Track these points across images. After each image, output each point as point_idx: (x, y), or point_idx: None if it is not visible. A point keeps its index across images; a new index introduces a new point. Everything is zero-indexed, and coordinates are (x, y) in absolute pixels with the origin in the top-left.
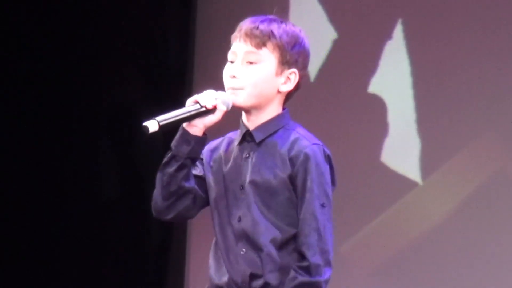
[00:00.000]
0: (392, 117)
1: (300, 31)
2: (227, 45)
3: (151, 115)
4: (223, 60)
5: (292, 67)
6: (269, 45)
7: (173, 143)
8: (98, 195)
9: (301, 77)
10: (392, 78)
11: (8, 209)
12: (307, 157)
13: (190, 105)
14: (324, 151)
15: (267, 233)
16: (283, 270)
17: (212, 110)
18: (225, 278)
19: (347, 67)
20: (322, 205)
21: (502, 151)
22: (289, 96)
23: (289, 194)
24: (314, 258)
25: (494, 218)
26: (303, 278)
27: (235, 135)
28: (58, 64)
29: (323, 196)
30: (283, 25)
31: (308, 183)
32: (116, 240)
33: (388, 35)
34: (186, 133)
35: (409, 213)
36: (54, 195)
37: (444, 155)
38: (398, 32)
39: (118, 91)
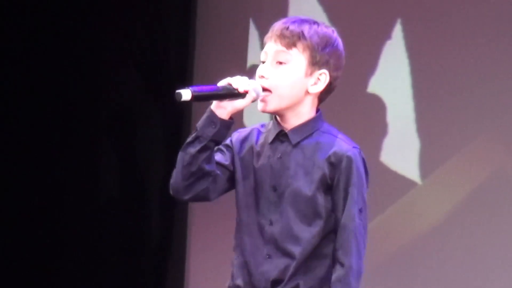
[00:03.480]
0: (391, 117)
1: (333, 31)
2: (227, 46)
3: (151, 115)
4: (223, 61)
5: (323, 68)
6: (299, 45)
7: (199, 124)
8: (98, 195)
9: (333, 79)
10: (391, 78)
11: (8, 209)
12: (350, 161)
13: (223, 85)
14: (362, 155)
15: (300, 241)
16: (312, 275)
17: (243, 95)
18: (244, 279)
19: (346, 67)
20: (360, 210)
21: (502, 151)
22: (322, 98)
23: (323, 197)
24: (352, 261)
25: (494, 218)
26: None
27: (264, 128)
28: (58, 65)
29: (361, 201)
30: (315, 26)
31: (350, 188)
32: (116, 240)
33: (387, 35)
34: (213, 115)
35: (408, 213)
36: (54, 195)
37: (443, 154)
38: (397, 32)
39: (118, 92)
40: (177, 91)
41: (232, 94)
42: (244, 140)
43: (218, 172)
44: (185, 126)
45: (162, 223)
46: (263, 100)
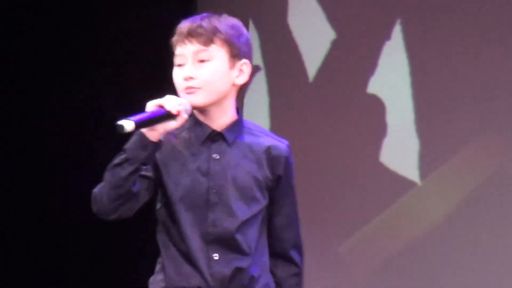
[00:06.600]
0: (391, 117)
1: (238, 20)
2: None
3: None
4: None
5: (243, 58)
6: (217, 40)
7: (129, 147)
8: None
9: (251, 68)
10: (391, 78)
11: (8, 208)
12: (288, 161)
13: (154, 109)
14: (290, 150)
15: (247, 236)
16: (262, 264)
17: (174, 116)
18: (195, 282)
19: (346, 67)
20: (297, 207)
21: (501, 151)
22: (240, 88)
23: (261, 193)
24: (300, 259)
25: (493, 218)
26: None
27: (177, 130)
28: (57, 63)
29: (296, 197)
30: (223, 19)
31: (291, 188)
32: (116, 240)
33: (386, 36)
34: (145, 138)
35: (408, 213)
36: (54, 195)
37: (443, 155)
38: (396, 32)
39: (118, 92)
40: (118, 122)
41: (167, 117)
42: (159, 145)
43: (142, 187)
44: None
45: None
46: (192, 93)
